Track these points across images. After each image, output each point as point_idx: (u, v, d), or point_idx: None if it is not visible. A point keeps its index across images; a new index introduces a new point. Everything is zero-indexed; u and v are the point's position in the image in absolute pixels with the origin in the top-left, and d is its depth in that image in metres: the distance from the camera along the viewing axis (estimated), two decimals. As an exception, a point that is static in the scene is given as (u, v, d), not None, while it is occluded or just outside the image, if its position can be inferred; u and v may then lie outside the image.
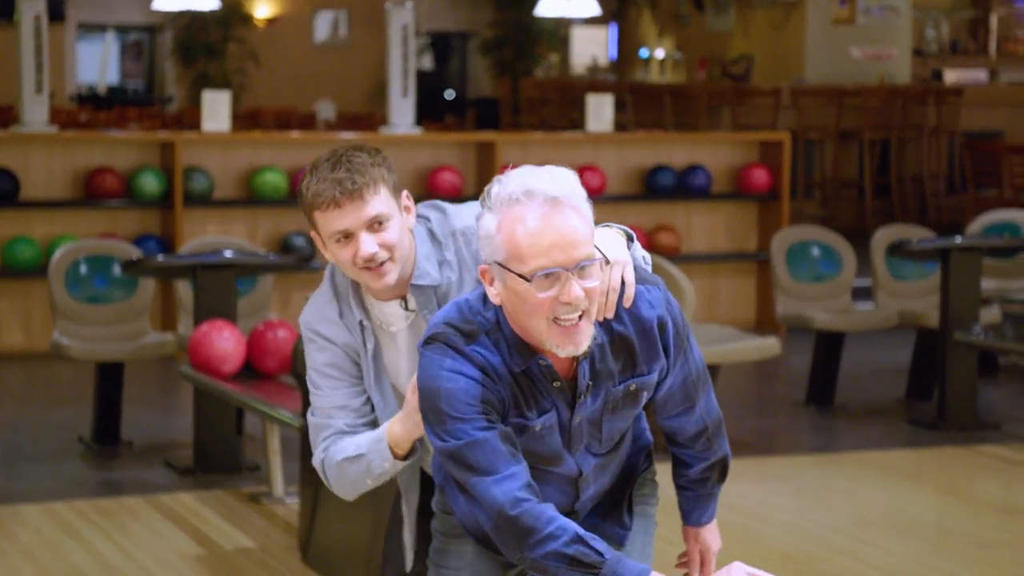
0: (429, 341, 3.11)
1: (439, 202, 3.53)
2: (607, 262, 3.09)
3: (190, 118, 16.66)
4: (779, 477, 7.61)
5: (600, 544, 3.05)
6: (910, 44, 17.97)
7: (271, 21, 21.80)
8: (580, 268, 3.00)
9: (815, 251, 9.45)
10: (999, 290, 9.79)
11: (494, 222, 3.03)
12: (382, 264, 3.33)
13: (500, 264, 3.02)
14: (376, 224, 3.32)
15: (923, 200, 16.27)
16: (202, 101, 11.14)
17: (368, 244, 3.31)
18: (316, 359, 3.48)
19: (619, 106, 15.92)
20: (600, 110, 11.86)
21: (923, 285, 9.48)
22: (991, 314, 8.93)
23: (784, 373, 10.20)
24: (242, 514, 6.87)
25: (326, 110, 18.53)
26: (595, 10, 17.65)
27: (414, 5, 11.74)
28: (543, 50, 22.46)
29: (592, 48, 22.45)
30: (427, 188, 10.96)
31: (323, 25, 22.22)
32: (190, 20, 20.99)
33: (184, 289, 8.42)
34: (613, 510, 3.43)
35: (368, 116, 18.37)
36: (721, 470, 3.44)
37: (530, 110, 20.17)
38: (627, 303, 3.15)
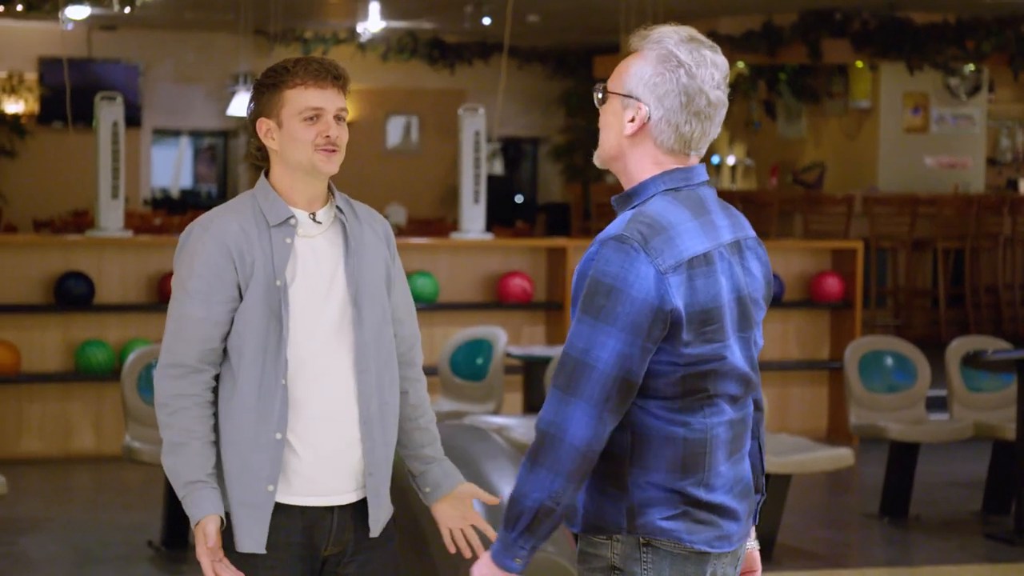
0: None
1: None
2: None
3: (263, 222, 16.75)
4: (853, 591, 7.50)
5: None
6: (984, 153, 17.90)
7: (344, 126, 21.99)
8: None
9: (889, 361, 9.37)
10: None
11: None
12: (334, 151, 3.80)
13: None
14: (339, 118, 3.83)
15: (998, 310, 16.12)
16: (275, 206, 11.17)
17: (335, 127, 3.80)
18: (194, 259, 3.75)
19: (690, 213, 15.88)
20: (671, 217, 11.84)
21: (999, 397, 9.37)
22: (1069, 427, 8.80)
23: (857, 484, 10.08)
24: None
25: (397, 215, 18.61)
26: (666, 117, 17.68)
27: (486, 111, 11.81)
28: (614, 156, 22.50)
29: (663, 155, 22.47)
30: (497, 293, 10.90)
31: (395, 130, 22.40)
32: (264, 125, 21.21)
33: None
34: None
35: (439, 221, 18.44)
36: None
37: (601, 215, 20.19)
38: None
